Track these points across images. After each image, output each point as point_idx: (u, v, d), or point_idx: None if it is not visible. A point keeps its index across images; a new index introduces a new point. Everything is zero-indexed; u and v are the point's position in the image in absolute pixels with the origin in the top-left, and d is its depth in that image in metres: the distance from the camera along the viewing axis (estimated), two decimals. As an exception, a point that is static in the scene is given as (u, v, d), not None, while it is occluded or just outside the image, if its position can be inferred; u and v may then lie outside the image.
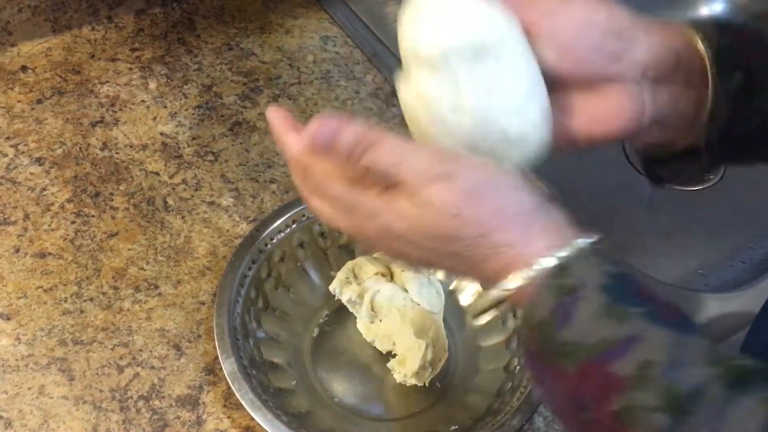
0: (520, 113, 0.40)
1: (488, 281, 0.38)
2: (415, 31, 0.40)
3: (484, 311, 0.58)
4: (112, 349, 0.58)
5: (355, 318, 0.59)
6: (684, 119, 0.42)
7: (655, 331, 0.34)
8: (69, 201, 0.66)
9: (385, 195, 0.38)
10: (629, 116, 0.42)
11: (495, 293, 0.38)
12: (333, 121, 0.38)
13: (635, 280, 0.36)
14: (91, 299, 0.60)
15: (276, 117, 0.41)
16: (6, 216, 0.65)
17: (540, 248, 0.36)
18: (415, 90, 0.40)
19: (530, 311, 0.36)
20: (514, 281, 0.36)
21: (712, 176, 0.90)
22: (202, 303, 0.61)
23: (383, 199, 0.38)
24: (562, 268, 0.36)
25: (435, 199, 0.37)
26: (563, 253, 0.36)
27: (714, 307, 0.66)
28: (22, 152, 0.69)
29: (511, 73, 0.39)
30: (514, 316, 0.59)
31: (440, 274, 0.62)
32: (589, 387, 0.34)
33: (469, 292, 0.62)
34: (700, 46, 0.41)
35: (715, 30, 0.42)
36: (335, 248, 0.63)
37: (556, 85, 0.41)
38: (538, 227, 0.37)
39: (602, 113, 0.42)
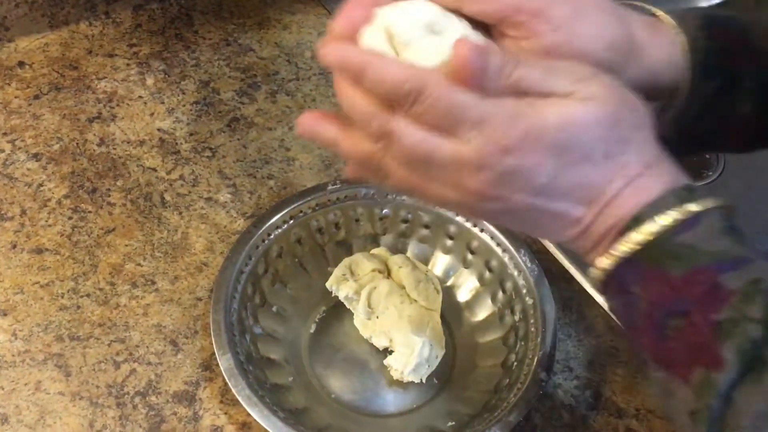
0: None
1: (608, 200, 0.37)
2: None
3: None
4: (109, 345, 0.58)
5: (352, 314, 0.59)
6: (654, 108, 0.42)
7: (762, 260, 0.35)
8: (66, 197, 0.66)
9: (534, 97, 0.36)
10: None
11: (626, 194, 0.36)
12: (477, 48, 0.35)
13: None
14: (88, 295, 0.60)
15: (353, 49, 0.38)
16: (3, 212, 0.64)
17: (671, 164, 0.37)
18: None
19: (647, 210, 0.36)
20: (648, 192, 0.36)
21: (710, 173, 0.90)
22: (199, 299, 0.61)
23: (529, 100, 0.36)
24: (689, 187, 0.36)
25: (597, 91, 0.36)
26: (683, 179, 0.37)
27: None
28: (19, 148, 0.69)
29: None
30: (512, 312, 0.59)
31: (437, 264, 0.62)
32: (694, 293, 0.34)
33: (466, 288, 0.62)
34: (686, 57, 0.43)
35: (703, 33, 0.43)
36: (333, 244, 0.63)
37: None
38: (657, 143, 0.38)
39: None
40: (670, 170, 0.37)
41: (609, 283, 0.38)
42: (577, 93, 0.36)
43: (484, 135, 0.35)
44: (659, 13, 0.45)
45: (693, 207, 0.35)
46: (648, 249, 0.36)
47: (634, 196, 0.36)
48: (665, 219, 0.35)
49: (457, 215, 0.61)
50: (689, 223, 0.35)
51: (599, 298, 0.62)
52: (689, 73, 0.43)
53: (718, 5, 0.51)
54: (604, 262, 0.37)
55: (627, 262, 0.36)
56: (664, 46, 0.43)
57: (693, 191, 0.36)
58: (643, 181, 0.36)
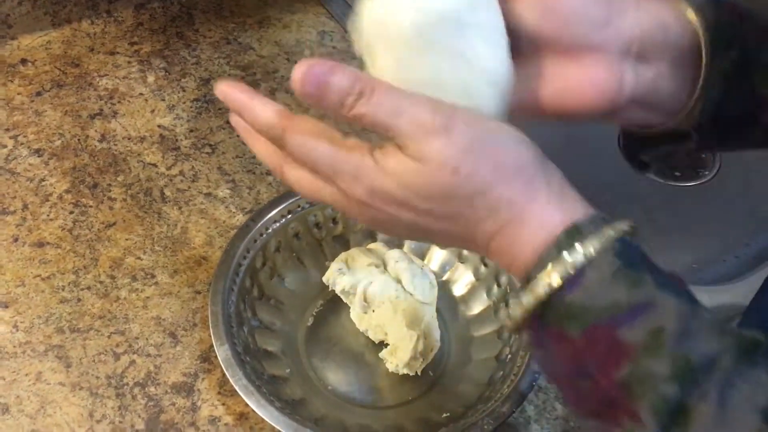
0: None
1: (482, 245, 0.36)
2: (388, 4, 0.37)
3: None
4: (109, 337, 0.59)
5: (349, 308, 0.60)
6: (668, 101, 0.40)
7: (665, 299, 0.32)
8: (67, 191, 0.67)
9: (374, 153, 0.35)
10: (605, 91, 0.40)
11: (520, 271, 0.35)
12: (324, 64, 0.35)
13: (641, 248, 0.34)
14: (89, 288, 0.61)
15: (233, 89, 0.38)
16: (5, 206, 0.65)
17: (543, 207, 0.35)
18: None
19: (532, 271, 0.34)
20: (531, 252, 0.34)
21: (707, 172, 0.91)
22: (198, 292, 0.61)
23: (372, 158, 0.35)
24: (571, 230, 0.34)
25: (434, 154, 0.34)
26: (571, 216, 0.34)
27: (705, 300, 0.66)
28: (22, 143, 0.70)
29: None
30: (506, 305, 0.59)
31: (433, 259, 0.63)
32: (594, 353, 0.33)
33: (462, 282, 0.63)
34: (694, 19, 0.39)
35: (710, 4, 0.40)
36: (330, 239, 0.63)
37: (533, 49, 0.39)
38: (540, 182, 0.35)
39: (576, 83, 0.40)
40: (532, 208, 0.35)
41: (526, 332, 0.36)
42: (416, 150, 0.34)
43: (339, 188, 0.36)
44: None
45: (576, 258, 0.33)
46: (543, 309, 0.34)
47: (510, 247, 0.35)
48: (548, 281, 0.33)
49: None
50: (575, 278, 0.33)
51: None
52: (705, 42, 0.39)
53: None
54: (515, 311, 0.35)
55: (534, 318, 0.34)
56: (667, 8, 0.40)
57: (576, 235, 0.33)
58: (510, 233, 0.35)
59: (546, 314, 0.34)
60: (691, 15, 0.39)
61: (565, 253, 0.33)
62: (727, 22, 0.40)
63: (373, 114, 0.35)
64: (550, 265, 0.33)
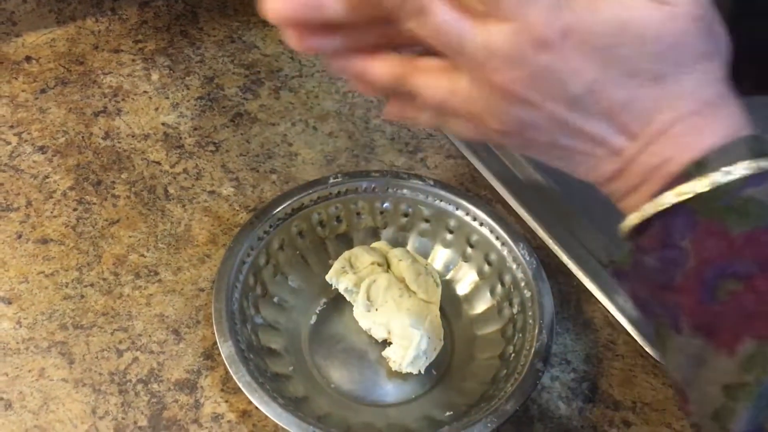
0: None
1: (658, 129, 0.32)
2: None
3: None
4: (112, 334, 0.58)
5: (352, 306, 0.60)
6: None
7: None
8: (71, 189, 0.67)
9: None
10: None
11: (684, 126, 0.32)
12: None
13: None
14: (92, 285, 0.61)
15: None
16: (9, 203, 0.65)
17: (730, 107, 0.33)
18: None
19: (714, 157, 0.31)
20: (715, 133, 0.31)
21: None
22: (202, 290, 0.61)
23: None
24: (758, 140, 0.32)
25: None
26: (750, 127, 0.32)
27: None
28: (26, 140, 0.70)
29: None
30: (510, 305, 0.59)
31: (437, 257, 0.63)
32: (758, 254, 0.30)
33: (466, 281, 0.63)
34: None
35: None
36: (333, 237, 0.63)
37: None
38: (728, 86, 0.33)
39: None
40: (735, 115, 0.33)
41: (647, 232, 0.33)
42: None
43: (521, 23, 0.30)
44: None
45: (765, 161, 0.31)
46: (708, 200, 0.31)
47: (689, 136, 0.32)
48: (735, 170, 0.31)
49: (456, 209, 0.62)
50: (761, 176, 0.31)
51: (598, 293, 0.62)
52: None
53: None
54: (647, 208, 0.32)
55: (678, 212, 0.32)
56: None
57: (764, 143, 0.32)
58: (701, 120, 0.32)
59: (706, 205, 0.31)
60: None
61: (757, 153, 0.31)
62: None
63: None
64: (739, 159, 0.31)
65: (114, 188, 0.67)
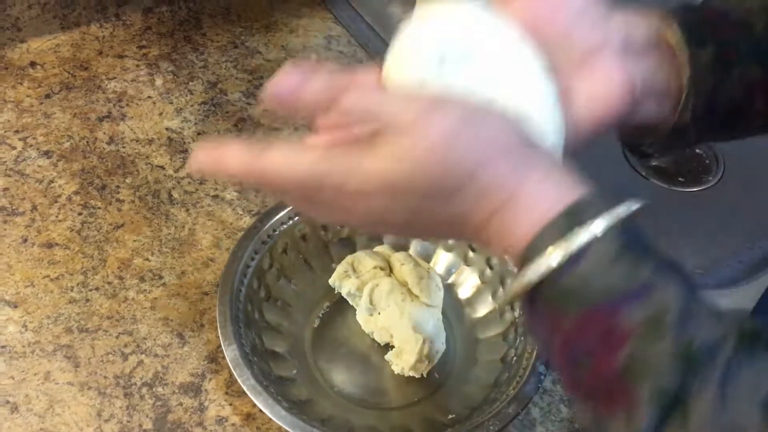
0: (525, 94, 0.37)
1: (482, 230, 0.35)
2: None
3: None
4: (117, 337, 0.59)
5: (355, 310, 0.60)
6: (671, 89, 0.41)
7: (666, 282, 0.32)
8: (76, 193, 0.67)
9: (359, 146, 0.34)
10: (624, 85, 0.40)
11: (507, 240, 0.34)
12: (294, 74, 0.35)
13: (643, 232, 0.33)
14: (97, 288, 0.61)
15: (205, 153, 0.37)
16: (14, 207, 0.66)
17: (538, 186, 0.34)
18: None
19: (529, 250, 0.33)
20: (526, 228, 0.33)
21: (710, 177, 0.92)
22: (206, 293, 0.62)
23: (356, 152, 0.34)
24: (572, 208, 0.33)
25: (422, 131, 0.33)
26: (570, 195, 0.33)
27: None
28: (31, 145, 0.70)
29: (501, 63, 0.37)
30: (512, 308, 0.60)
31: (439, 261, 0.63)
32: (591, 336, 0.32)
33: (467, 285, 0.63)
34: (669, 20, 0.41)
35: (681, 8, 0.42)
36: (336, 241, 0.64)
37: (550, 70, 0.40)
38: (533, 160, 0.34)
39: (598, 89, 0.40)
40: (544, 190, 0.34)
41: (526, 307, 0.35)
42: (405, 132, 0.33)
43: (325, 198, 0.35)
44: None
45: (578, 238, 0.32)
46: (540, 289, 0.33)
47: (507, 227, 0.34)
48: (547, 260, 0.32)
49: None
50: (573, 259, 0.32)
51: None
52: (680, 35, 0.41)
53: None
54: (514, 286, 0.34)
55: (530, 297, 0.34)
56: (646, 14, 0.42)
57: (578, 214, 0.33)
58: (507, 213, 0.34)
59: (541, 293, 0.33)
60: (666, 17, 0.41)
61: (567, 232, 0.32)
62: (700, 20, 0.42)
63: (358, 103, 0.35)
64: (549, 245, 0.32)
65: (118, 193, 0.68)
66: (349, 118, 0.35)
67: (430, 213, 0.35)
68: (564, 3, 0.40)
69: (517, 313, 0.59)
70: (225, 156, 0.36)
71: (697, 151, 0.94)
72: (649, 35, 0.41)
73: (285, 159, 0.35)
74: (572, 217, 0.33)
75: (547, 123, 0.38)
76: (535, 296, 0.33)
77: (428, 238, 0.37)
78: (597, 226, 0.32)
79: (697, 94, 0.41)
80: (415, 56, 0.37)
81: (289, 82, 0.35)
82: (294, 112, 0.36)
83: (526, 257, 0.33)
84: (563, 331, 0.33)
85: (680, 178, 0.92)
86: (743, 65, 0.42)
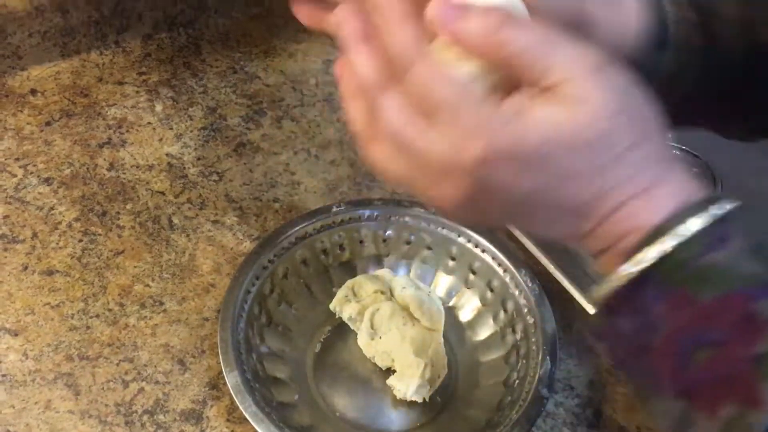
0: None
1: (603, 213, 0.33)
2: None
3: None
4: (118, 365, 0.59)
5: (356, 334, 0.60)
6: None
7: None
8: (76, 220, 0.67)
9: (506, 102, 0.31)
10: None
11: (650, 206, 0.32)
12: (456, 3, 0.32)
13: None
14: (98, 315, 0.61)
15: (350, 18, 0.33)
16: (15, 234, 0.66)
17: (681, 174, 0.33)
18: None
19: (670, 223, 0.32)
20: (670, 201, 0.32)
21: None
22: (206, 319, 0.62)
23: (505, 106, 0.31)
24: (713, 198, 0.32)
25: (597, 93, 0.31)
26: (703, 191, 0.33)
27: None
28: (31, 173, 0.71)
29: None
30: (513, 331, 0.60)
31: (439, 284, 0.63)
32: (726, 320, 0.31)
33: (469, 308, 0.63)
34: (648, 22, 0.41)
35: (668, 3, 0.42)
36: (337, 265, 0.64)
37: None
38: (671, 151, 0.34)
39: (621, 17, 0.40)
40: (685, 181, 0.33)
41: (620, 299, 0.33)
42: (569, 87, 0.31)
43: (457, 137, 0.32)
44: None
45: (721, 221, 0.31)
46: (671, 267, 0.32)
47: (635, 218, 0.33)
48: (692, 234, 0.31)
49: (459, 236, 0.63)
50: (718, 241, 0.31)
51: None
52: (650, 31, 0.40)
53: None
54: (613, 279, 0.33)
55: (647, 281, 0.32)
56: (623, 19, 0.41)
57: (718, 202, 0.32)
58: (643, 202, 0.33)
59: (670, 272, 0.32)
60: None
61: (711, 214, 0.31)
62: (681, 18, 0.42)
63: (522, 42, 0.31)
64: (695, 222, 0.31)
65: (119, 219, 0.68)
66: (507, 54, 0.31)
67: (571, 180, 0.32)
68: None
69: (518, 336, 0.59)
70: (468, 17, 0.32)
71: (694, 170, 0.95)
72: (614, 40, 0.40)
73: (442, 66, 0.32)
74: (713, 205, 0.32)
75: None
76: (662, 274, 0.32)
77: (530, 224, 0.35)
78: (736, 219, 0.32)
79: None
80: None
81: (455, 6, 0.32)
82: (459, 30, 0.32)
83: (667, 230, 0.31)
84: (693, 312, 0.31)
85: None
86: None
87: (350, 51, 0.34)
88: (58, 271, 0.64)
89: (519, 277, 0.60)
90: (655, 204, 0.33)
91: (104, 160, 0.72)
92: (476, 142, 0.31)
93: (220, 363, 0.55)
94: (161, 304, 0.62)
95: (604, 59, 0.32)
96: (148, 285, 0.64)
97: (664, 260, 0.32)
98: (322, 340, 0.61)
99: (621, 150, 0.32)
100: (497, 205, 0.33)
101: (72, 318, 0.61)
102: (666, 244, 0.32)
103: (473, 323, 0.62)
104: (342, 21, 0.34)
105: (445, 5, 0.32)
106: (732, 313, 0.31)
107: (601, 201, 0.33)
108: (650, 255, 0.32)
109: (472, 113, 0.31)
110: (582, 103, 0.31)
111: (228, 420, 0.56)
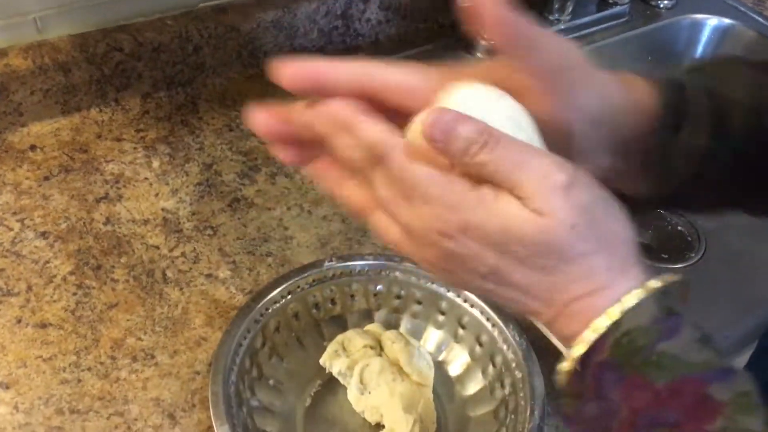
0: None
1: (559, 305, 0.36)
2: None
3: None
4: (108, 419, 0.59)
5: (347, 389, 0.61)
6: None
7: (740, 370, 0.34)
8: (71, 273, 0.68)
9: (481, 190, 0.35)
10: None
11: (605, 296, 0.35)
12: (453, 112, 0.36)
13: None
14: (89, 369, 0.62)
15: (342, 106, 0.39)
16: (9, 288, 0.67)
17: (634, 279, 0.36)
18: None
19: (624, 318, 0.34)
20: (630, 296, 0.35)
21: (693, 254, 0.94)
22: (198, 373, 0.62)
23: (478, 193, 0.35)
24: (664, 292, 0.35)
25: (556, 210, 0.35)
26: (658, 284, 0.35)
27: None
28: (28, 226, 0.72)
29: None
30: (502, 386, 0.60)
31: (429, 339, 0.64)
32: (681, 403, 0.33)
33: (458, 362, 0.64)
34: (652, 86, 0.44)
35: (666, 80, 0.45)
36: (328, 319, 0.65)
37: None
38: (635, 258, 0.36)
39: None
40: (627, 278, 0.36)
41: (581, 383, 0.36)
42: (532, 203, 0.35)
43: (428, 215, 0.36)
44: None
45: (672, 313, 0.34)
46: (627, 355, 0.34)
47: (600, 304, 0.36)
48: (646, 326, 0.34)
49: (448, 291, 0.64)
50: (670, 330, 0.34)
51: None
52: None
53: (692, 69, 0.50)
54: (565, 365, 0.36)
55: (603, 366, 0.35)
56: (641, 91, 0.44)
57: (669, 295, 0.35)
58: (595, 300, 0.36)
59: (626, 360, 0.34)
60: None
61: (664, 307, 0.34)
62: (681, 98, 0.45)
63: (497, 162, 0.35)
64: (648, 315, 0.34)
65: (113, 272, 0.69)
66: (486, 172, 0.36)
67: (528, 270, 0.36)
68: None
69: (507, 390, 0.60)
70: (362, 123, 0.38)
71: (680, 228, 0.97)
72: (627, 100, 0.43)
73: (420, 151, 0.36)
74: (664, 297, 0.35)
75: None
76: (618, 361, 0.35)
77: (495, 297, 0.38)
78: (682, 312, 0.35)
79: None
80: None
81: (451, 116, 0.36)
82: (445, 145, 0.36)
83: (622, 323, 0.35)
84: (649, 396, 0.34)
85: (663, 255, 0.94)
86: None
87: (333, 139, 0.39)
88: (51, 324, 0.64)
89: (507, 331, 0.61)
90: (600, 305, 0.36)
91: (101, 214, 0.74)
92: (445, 223, 0.36)
93: (210, 417, 0.55)
94: (153, 357, 0.63)
95: (573, 178, 0.36)
96: (140, 338, 0.64)
97: (620, 347, 0.35)
98: (312, 394, 0.62)
99: (570, 256, 0.36)
100: (468, 273, 0.37)
101: (64, 371, 0.61)
102: (622, 338, 0.35)
103: (462, 378, 0.63)
104: (311, 122, 0.41)
105: (438, 121, 0.36)
106: (687, 396, 0.33)
107: (557, 294, 0.36)
108: (608, 346, 0.35)
109: (444, 196, 0.36)
110: (542, 215, 0.35)
111: (217, 475, 0.56)
